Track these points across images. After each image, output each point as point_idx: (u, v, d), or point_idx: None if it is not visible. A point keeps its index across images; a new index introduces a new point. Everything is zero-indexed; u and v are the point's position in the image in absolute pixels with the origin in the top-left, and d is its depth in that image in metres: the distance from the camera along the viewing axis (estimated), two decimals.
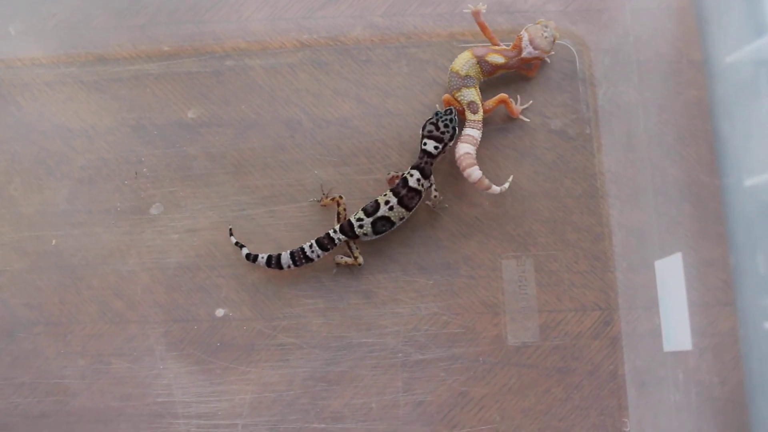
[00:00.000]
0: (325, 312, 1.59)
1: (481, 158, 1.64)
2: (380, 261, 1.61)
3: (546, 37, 1.59)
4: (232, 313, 1.61)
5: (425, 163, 1.57)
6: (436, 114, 1.58)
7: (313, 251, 1.56)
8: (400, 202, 1.55)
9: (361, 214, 1.55)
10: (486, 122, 1.64)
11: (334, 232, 1.56)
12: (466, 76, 1.60)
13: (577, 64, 1.68)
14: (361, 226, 1.55)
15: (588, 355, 1.59)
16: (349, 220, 1.56)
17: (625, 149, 1.64)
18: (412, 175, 1.56)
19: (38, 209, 1.66)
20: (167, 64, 1.70)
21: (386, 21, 1.70)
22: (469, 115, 1.60)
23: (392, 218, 1.55)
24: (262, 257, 1.57)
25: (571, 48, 1.68)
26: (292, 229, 1.62)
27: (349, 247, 1.59)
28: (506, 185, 1.58)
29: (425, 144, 1.56)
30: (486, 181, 1.55)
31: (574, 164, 1.65)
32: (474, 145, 1.57)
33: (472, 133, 1.58)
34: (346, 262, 1.59)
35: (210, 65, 1.70)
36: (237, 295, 1.62)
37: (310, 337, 1.59)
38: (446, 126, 1.56)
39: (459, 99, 1.60)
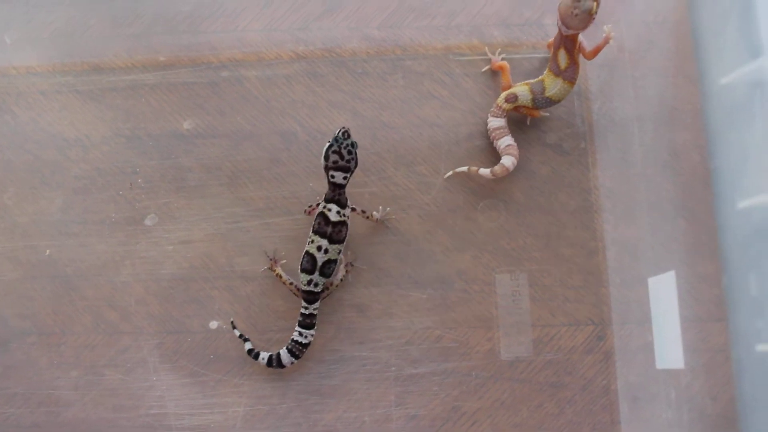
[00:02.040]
0: (318, 325, 1.59)
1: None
2: (374, 275, 1.61)
3: (576, 16, 1.50)
4: (225, 326, 1.61)
5: (339, 195, 1.53)
6: (336, 140, 1.51)
7: (305, 337, 1.55)
8: (331, 240, 1.52)
9: (306, 277, 1.53)
10: (484, 136, 1.65)
11: (305, 308, 1.55)
12: (548, 98, 1.60)
13: None
14: (316, 285, 1.54)
15: (581, 370, 1.59)
16: (304, 290, 1.54)
17: (620, 164, 1.64)
18: (330, 210, 1.53)
19: (32, 219, 1.66)
20: (163, 75, 1.70)
21: (382, 33, 1.70)
22: (500, 101, 1.61)
23: (332, 257, 1.53)
24: (263, 358, 1.55)
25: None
26: (287, 241, 1.62)
27: (328, 294, 1.58)
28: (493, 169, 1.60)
29: (333, 177, 1.52)
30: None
31: (569, 179, 1.65)
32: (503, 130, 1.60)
33: (496, 123, 1.60)
34: (347, 271, 1.59)
35: (206, 76, 1.70)
36: (231, 307, 1.62)
37: None
38: (350, 153, 1.51)
39: (516, 87, 1.61)
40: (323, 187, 1.63)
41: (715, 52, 1.27)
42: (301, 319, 1.55)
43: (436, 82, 1.69)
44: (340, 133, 1.52)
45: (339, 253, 1.54)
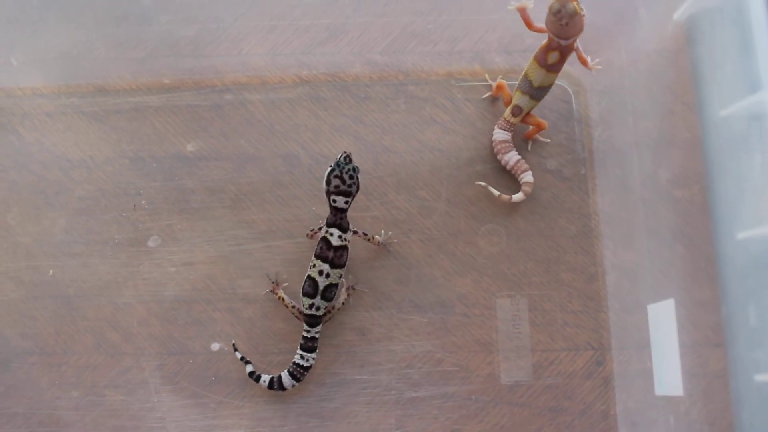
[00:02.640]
0: (319, 348, 1.59)
1: (478, 197, 1.66)
2: (375, 298, 1.62)
3: (566, 24, 1.47)
4: (227, 348, 1.62)
5: (341, 219, 1.54)
6: (338, 165, 1.52)
7: (306, 360, 1.56)
8: (332, 265, 1.53)
9: (308, 301, 1.54)
10: (485, 161, 1.66)
11: (307, 331, 1.56)
12: (539, 87, 1.61)
13: (573, 105, 1.70)
14: (318, 308, 1.55)
15: (580, 395, 1.60)
16: (306, 314, 1.55)
17: (620, 190, 1.66)
18: (332, 234, 1.54)
19: (36, 239, 1.67)
20: (167, 97, 1.72)
21: (385, 58, 1.72)
22: (506, 114, 1.63)
23: (333, 282, 1.54)
24: (264, 381, 1.56)
25: (568, 89, 1.71)
26: (289, 264, 1.63)
27: (329, 318, 1.58)
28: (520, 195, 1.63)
29: (335, 201, 1.53)
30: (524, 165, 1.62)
31: (569, 204, 1.67)
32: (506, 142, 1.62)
33: (502, 136, 1.62)
34: (349, 293, 1.60)
35: (210, 99, 1.71)
36: (232, 329, 1.62)
37: None
38: (351, 178, 1.52)
39: (514, 99, 1.63)
40: (325, 211, 1.64)
41: (714, 84, 1.28)
42: (302, 342, 1.56)
43: (437, 107, 1.70)
44: (342, 158, 1.53)
45: (340, 277, 1.55)
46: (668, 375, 1.48)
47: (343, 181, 1.52)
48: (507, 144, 1.63)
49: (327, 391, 1.59)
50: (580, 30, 1.50)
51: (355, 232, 1.57)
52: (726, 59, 1.24)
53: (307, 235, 1.61)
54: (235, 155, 1.69)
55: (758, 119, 1.17)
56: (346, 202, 1.53)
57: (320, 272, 1.53)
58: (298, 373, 1.56)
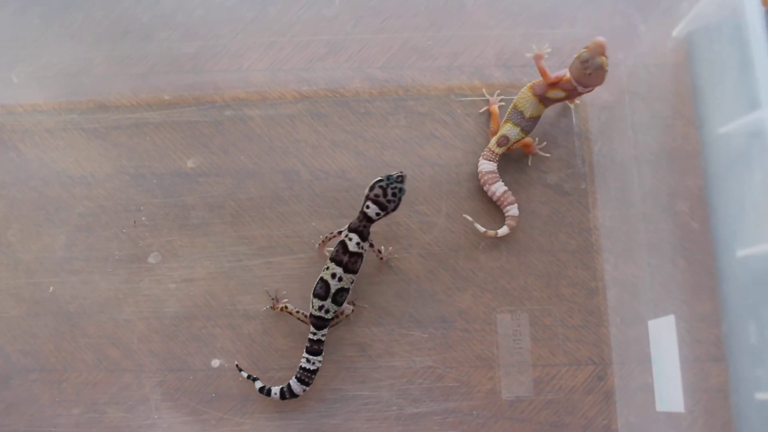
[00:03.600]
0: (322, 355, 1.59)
1: (478, 212, 1.66)
2: (375, 314, 1.62)
3: (589, 75, 1.53)
4: (227, 364, 1.61)
5: (363, 227, 1.55)
6: (387, 178, 1.54)
7: (312, 363, 1.56)
8: (346, 269, 1.54)
9: (318, 302, 1.54)
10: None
11: (314, 334, 1.56)
12: (530, 118, 1.62)
13: (574, 120, 1.70)
14: (327, 311, 1.55)
15: (581, 410, 1.60)
16: (314, 315, 1.55)
17: (620, 205, 1.66)
18: (351, 239, 1.54)
19: (36, 256, 1.67)
20: (167, 113, 1.72)
21: (385, 74, 1.72)
22: (491, 145, 1.63)
23: (345, 286, 1.54)
24: (275, 393, 1.56)
25: (568, 103, 1.70)
26: (290, 280, 1.63)
27: (337, 323, 1.59)
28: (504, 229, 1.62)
29: (368, 207, 1.54)
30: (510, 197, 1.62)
31: (570, 219, 1.67)
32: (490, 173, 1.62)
33: (488, 167, 1.62)
34: (347, 317, 1.60)
35: (210, 115, 1.72)
36: (233, 345, 1.62)
37: None
38: (394, 195, 1.53)
39: (502, 129, 1.63)
40: (325, 227, 1.65)
41: (714, 101, 1.28)
42: (308, 345, 1.56)
43: (437, 122, 1.71)
44: (395, 175, 1.54)
45: (352, 282, 1.55)
46: (669, 390, 1.47)
47: (385, 193, 1.53)
48: (493, 175, 1.63)
49: (328, 408, 1.59)
50: (600, 83, 1.55)
51: (371, 245, 1.57)
52: (725, 76, 1.24)
53: (321, 241, 1.61)
54: (235, 171, 1.69)
55: (758, 136, 1.17)
56: (377, 214, 1.54)
57: (333, 275, 1.54)
58: (306, 377, 1.55)
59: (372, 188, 1.54)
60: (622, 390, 1.59)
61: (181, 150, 1.70)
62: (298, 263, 1.64)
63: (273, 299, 1.61)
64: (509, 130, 1.63)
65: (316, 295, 1.55)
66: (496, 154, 1.63)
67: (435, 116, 1.71)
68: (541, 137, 1.70)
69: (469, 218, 1.64)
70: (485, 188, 1.63)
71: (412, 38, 1.73)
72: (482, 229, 1.62)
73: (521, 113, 1.62)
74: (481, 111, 1.70)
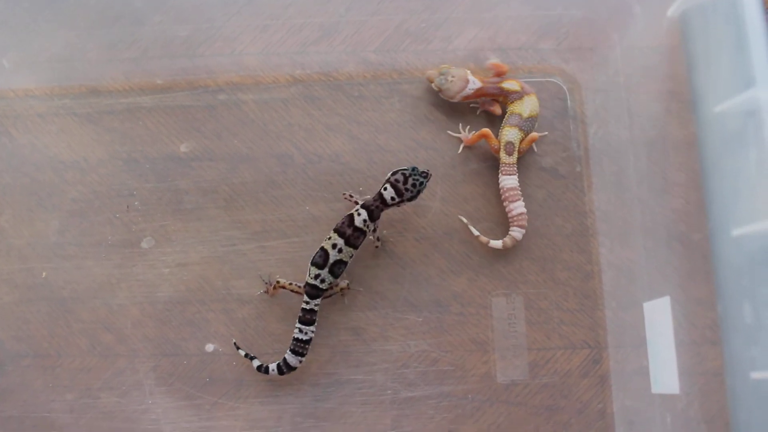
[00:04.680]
0: (314, 348, 1.59)
1: (473, 196, 1.65)
2: (370, 298, 1.62)
3: (449, 93, 1.64)
4: (221, 348, 1.61)
5: (376, 207, 1.55)
6: (413, 169, 1.55)
7: (305, 333, 1.55)
8: (347, 242, 1.54)
9: (315, 270, 1.54)
10: (480, 159, 1.66)
11: (306, 303, 1.56)
12: (530, 117, 1.62)
13: (568, 103, 1.69)
14: (322, 281, 1.54)
15: (577, 394, 1.59)
16: (309, 283, 1.55)
17: (615, 188, 1.65)
18: (359, 214, 1.55)
19: (29, 241, 1.66)
20: (160, 98, 1.71)
21: (379, 57, 1.71)
22: (504, 157, 1.61)
23: (344, 259, 1.54)
24: (273, 369, 1.55)
25: (563, 86, 1.70)
26: (283, 264, 1.63)
27: (329, 295, 1.58)
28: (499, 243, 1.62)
29: (385, 189, 1.55)
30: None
31: (565, 202, 1.66)
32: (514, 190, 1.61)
33: (510, 183, 1.61)
34: (343, 294, 1.60)
35: (203, 99, 1.71)
36: (227, 329, 1.62)
37: (299, 373, 1.59)
38: (413, 186, 1.54)
39: (502, 135, 1.62)
40: (319, 211, 1.64)
41: (709, 80, 1.27)
42: (301, 314, 1.55)
43: (432, 105, 1.70)
44: (422, 170, 1.56)
45: (351, 257, 1.55)
46: (665, 373, 1.47)
47: (405, 181, 1.54)
48: (515, 192, 1.61)
49: (322, 392, 1.59)
50: (459, 90, 1.63)
51: (375, 229, 1.58)
52: (720, 55, 1.23)
53: (344, 196, 1.61)
54: (229, 155, 1.68)
55: (753, 115, 1.16)
56: (392, 199, 1.54)
57: (334, 245, 1.54)
58: (299, 347, 1.55)
59: (394, 173, 1.55)
60: (618, 373, 1.59)
61: (174, 135, 1.69)
62: (292, 247, 1.64)
63: (267, 284, 1.60)
64: (509, 134, 1.62)
65: (314, 264, 1.54)
66: (513, 164, 1.62)
67: (429, 99, 1.70)
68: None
69: (465, 220, 1.63)
70: (505, 204, 1.61)
71: (407, 21, 1.72)
72: (476, 233, 1.62)
73: (519, 114, 1.61)
74: (459, 151, 1.67)
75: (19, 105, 1.72)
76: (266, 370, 1.55)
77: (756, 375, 1.15)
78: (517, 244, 1.61)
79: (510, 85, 1.64)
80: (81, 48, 1.72)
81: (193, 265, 1.64)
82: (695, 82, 1.30)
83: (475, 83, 1.63)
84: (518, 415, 1.58)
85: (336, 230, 1.55)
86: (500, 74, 1.66)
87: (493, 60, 1.67)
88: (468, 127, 1.68)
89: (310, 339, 1.55)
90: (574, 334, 1.61)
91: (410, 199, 1.55)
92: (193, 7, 1.73)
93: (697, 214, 1.54)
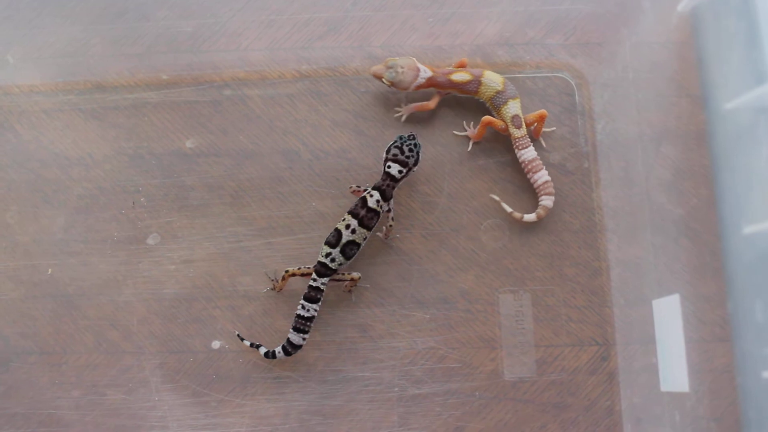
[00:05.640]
0: (321, 345, 1.58)
1: (480, 192, 1.64)
2: (377, 295, 1.61)
3: (401, 84, 1.62)
4: (228, 345, 1.60)
5: (387, 186, 1.56)
6: (400, 138, 1.57)
7: (308, 310, 1.55)
8: (361, 224, 1.54)
9: (326, 249, 1.54)
10: (487, 155, 1.65)
11: (314, 280, 1.55)
12: (504, 86, 1.61)
13: (576, 98, 1.68)
14: (333, 260, 1.54)
15: (584, 391, 1.58)
16: (319, 261, 1.55)
17: (624, 184, 1.64)
18: (372, 196, 1.56)
19: (34, 238, 1.65)
20: (165, 93, 1.70)
21: (385, 52, 1.70)
22: (515, 132, 1.60)
23: (357, 240, 1.54)
24: (279, 352, 1.55)
25: (570, 81, 1.68)
26: (290, 261, 1.62)
27: (338, 279, 1.58)
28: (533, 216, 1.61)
29: (389, 167, 1.56)
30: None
31: (572, 198, 1.65)
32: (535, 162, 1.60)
33: (530, 155, 1.59)
34: (351, 286, 1.59)
35: (208, 95, 1.70)
36: (233, 326, 1.61)
37: (306, 370, 1.58)
38: (411, 150, 1.56)
39: (503, 114, 1.61)
40: (325, 207, 1.63)
41: (719, 76, 1.26)
42: (306, 291, 1.55)
43: (439, 101, 1.68)
44: (407, 135, 1.58)
45: (364, 239, 1.55)
46: (674, 371, 1.46)
47: (402, 151, 1.56)
48: (537, 162, 1.60)
49: (329, 389, 1.58)
50: (412, 80, 1.61)
51: (389, 210, 1.58)
52: (731, 51, 1.22)
53: (352, 192, 1.61)
54: (235, 151, 1.67)
55: (765, 112, 1.15)
56: (400, 172, 1.55)
57: (347, 226, 1.54)
58: (302, 324, 1.54)
59: (388, 151, 1.56)
60: (626, 371, 1.58)
61: (180, 130, 1.69)
62: (299, 244, 1.63)
63: (273, 280, 1.59)
64: (510, 108, 1.61)
65: (326, 243, 1.55)
66: (525, 136, 1.60)
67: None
68: None
69: (496, 198, 1.62)
70: (528, 176, 1.60)
71: (413, 16, 1.71)
72: (509, 210, 1.61)
73: (497, 91, 1.61)
74: (469, 149, 1.66)
75: (23, 101, 1.71)
76: (273, 355, 1.55)
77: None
78: (549, 213, 1.61)
79: (460, 76, 1.62)
80: (86, 43, 1.71)
81: (199, 262, 1.63)
82: (705, 78, 1.29)
83: (426, 72, 1.62)
84: (525, 413, 1.58)
85: (350, 212, 1.55)
86: (461, 65, 1.65)
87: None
88: (472, 123, 1.67)
89: (313, 317, 1.54)
90: (581, 331, 1.60)
91: (416, 164, 1.57)
92: (198, 2, 1.72)
93: (707, 211, 1.53)
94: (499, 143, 1.66)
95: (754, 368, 1.16)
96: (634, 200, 1.62)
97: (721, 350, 1.51)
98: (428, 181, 1.65)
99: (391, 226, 1.59)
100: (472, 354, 1.59)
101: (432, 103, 1.65)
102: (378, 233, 1.61)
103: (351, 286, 1.59)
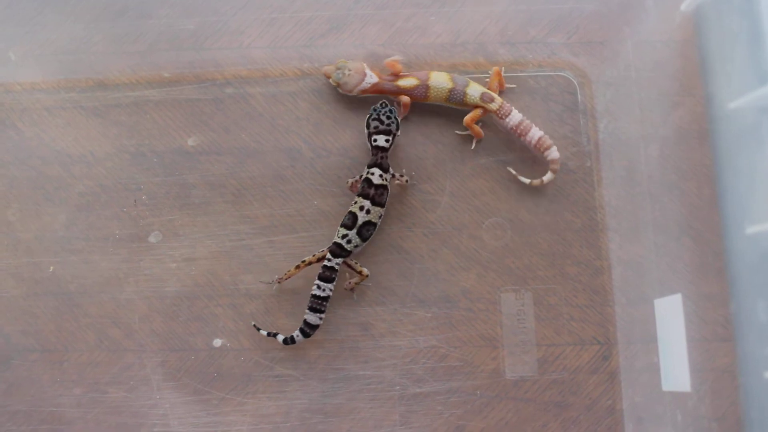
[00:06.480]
0: (322, 343, 1.58)
1: (482, 190, 1.64)
2: (378, 293, 1.61)
3: (347, 87, 1.64)
4: (229, 343, 1.60)
5: (381, 158, 1.58)
6: (374, 109, 1.60)
7: (323, 290, 1.55)
8: (374, 202, 1.56)
9: (343, 231, 1.56)
10: (489, 153, 1.65)
11: (329, 260, 1.56)
12: (454, 84, 1.62)
13: (579, 97, 1.68)
14: (349, 241, 1.56)
15: (586, 390, 1.58)
16: (335, 242, 1.56)
17: (626, 183, 1.64)
18: (373, 174, 1.57)
19: (36, 235, 1.65)
20: (167, 91, 1.70)
21: (387, 51, 1.70)
22: (491, 106, 1.61)
23: (373, 220, 1.56)
24: (298, 335, 1.55)
25: (573, 80, 1.68)
26: (292, 259, 1.61)
27: (350, 265, 1.58)
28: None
29: (375, 140, 1.58)
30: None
31: (574, 197, 1.65)
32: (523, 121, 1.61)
33: (516, 118, 1.60)
34: (356, 283, 1.59)
35: (210, 92, 1.70)
36: (234, 325, 1.61)
37: (308, 368, 1.58)
38: (389, 117, 1.58)
39: (470, 101, 1.61)
40: (327, 205, 1.63)
41: (723, 76, 1.26)
42: (321, 271, 1.56)
43: None
44: (379, 104, 1.61)
45: (380, 217, 1.57)
46: (675, 370, 1.46)
47: (381, 121, 1.58)
48: (525, 123, 1.61)
49: (330, 387, 1.58)
50: (357, 84, 1.63)
51: (393, 175, 1.60)
52: (735, 50, 1.22)
53: (348, 184, 1.62)
54: (237, 149, 1.67)
55: None
56: (387, 140, 1.57)
57: (361, 207, 1.56)
58: (318, 304, 1.55)
59: (368, 125, 1.59)
60: (627, 370, 1.58)
61: (182, 128, 1.69)
62: (301, 242, 1.63)
63: (277, 278, 1.59)
64: (472, 91, 1.62)
65: (342, 225, 1.56)
66: (502, 104, 1.62)
67: None
68: (545, 115, 1.67)
69: (513, 171, 1.63)
70: (521, 139, 1.61)
71: (415, 15, 1.71)
72: (527, 181, 1.62)
73: (451, 85, 1.62)
74: (473, 147, 1.66)
75: (25, 98, 1.71)
76: (292, 340, 1.55)
77: None
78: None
79: (407, 81, 1.63)
80: (87, 41, 1.71)
81: (200, 260, 1.63)
82: (708, 78, 1.29)
83: (372, 77, 1.63)
84: (527, 412, 1.58)
85: (360, 194, 1.57)
86: (396, 73, 1.65)
87: (392, 59, 1.66)
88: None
89: (329, 296, 1.55)
90: (583, 330, 1.60)
91: (398, 129, 1.60)
92: (200, 0, 1.71)
93: (709, 211, 1.53)
94: (500, 142, 1.66)
95: (756, 368, 1.16)
96: (636, 199, 1.62)
97: (723, 350, 1.51)
98: (430, 180, 1.65)
99: (407, 180, 1.62)
100: (474, 353, 1.59)
101: (406, 102, 1.65)
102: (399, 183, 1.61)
103: (355, 284, 1.59)
